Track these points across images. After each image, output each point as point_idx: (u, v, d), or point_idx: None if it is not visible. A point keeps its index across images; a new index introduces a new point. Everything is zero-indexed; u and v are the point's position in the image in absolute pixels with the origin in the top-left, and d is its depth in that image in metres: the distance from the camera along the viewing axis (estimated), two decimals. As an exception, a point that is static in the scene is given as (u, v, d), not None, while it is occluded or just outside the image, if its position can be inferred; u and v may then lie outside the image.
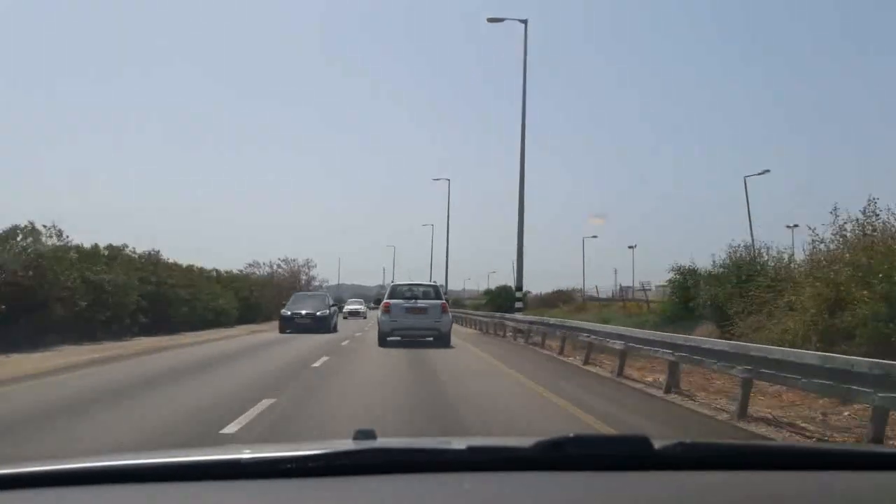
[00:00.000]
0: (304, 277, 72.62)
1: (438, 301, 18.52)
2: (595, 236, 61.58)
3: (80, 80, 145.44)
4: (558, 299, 46.95)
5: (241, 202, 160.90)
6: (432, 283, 21.76)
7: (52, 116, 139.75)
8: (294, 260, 71.56)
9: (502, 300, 41.38)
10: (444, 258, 50.17)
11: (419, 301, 18.40)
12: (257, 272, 61.02)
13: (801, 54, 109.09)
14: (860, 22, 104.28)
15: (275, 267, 66.29)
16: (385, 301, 18.64)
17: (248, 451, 1.52)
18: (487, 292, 48.75)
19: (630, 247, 59.63)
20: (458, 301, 60.72)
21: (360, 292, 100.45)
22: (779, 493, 1.42)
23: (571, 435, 1.49)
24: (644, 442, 1.49)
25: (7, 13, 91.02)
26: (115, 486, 1.36)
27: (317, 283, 74.99)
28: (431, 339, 17.99)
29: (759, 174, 34.78)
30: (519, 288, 28.01)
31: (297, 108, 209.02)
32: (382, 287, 55.64)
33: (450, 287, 61.70)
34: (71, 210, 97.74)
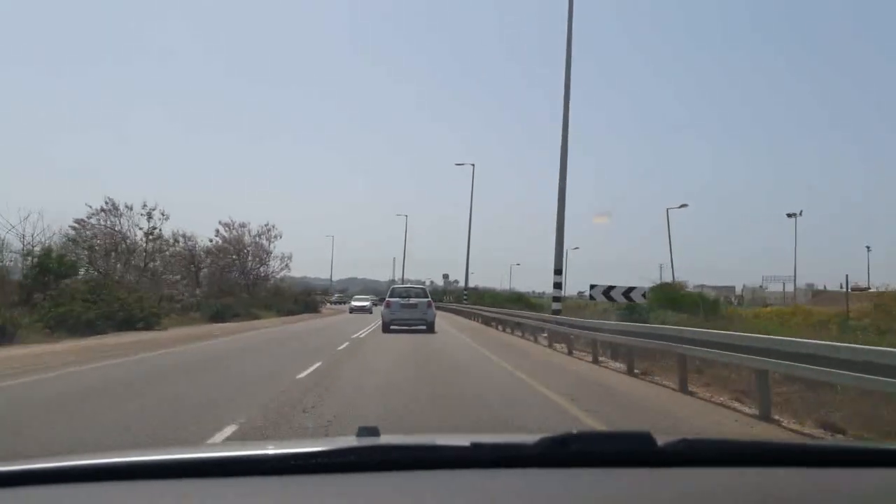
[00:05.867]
0: (250, 253, 44.42)
1: (426, 299, 24.74)
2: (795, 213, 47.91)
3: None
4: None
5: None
6: (422, 286, 31.80)
7: (64, 104, 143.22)
8: (244, 225, 44.63)
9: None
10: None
11: (411, 299, 24.50)
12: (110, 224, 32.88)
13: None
14: None
15: (181, 233, 38.53)
16: (387, 299, 24.81)
17: (252, 448, 1.54)
18: None
19: (790, 215, 48.15)
20: (523, 299, 38.11)
21: (372, 287, 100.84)
22: (781, 489, 1.42)
23: (575, 431, 1.51)
24: (647, 438, 1.49)
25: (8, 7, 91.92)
26: (116, 482, 1.38)
27: (281, 269, 46.83)
28: (424, 327, 23.45)
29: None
30: None
31: (313, 96, 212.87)
32: (393, 281, 59.59)
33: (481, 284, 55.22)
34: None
